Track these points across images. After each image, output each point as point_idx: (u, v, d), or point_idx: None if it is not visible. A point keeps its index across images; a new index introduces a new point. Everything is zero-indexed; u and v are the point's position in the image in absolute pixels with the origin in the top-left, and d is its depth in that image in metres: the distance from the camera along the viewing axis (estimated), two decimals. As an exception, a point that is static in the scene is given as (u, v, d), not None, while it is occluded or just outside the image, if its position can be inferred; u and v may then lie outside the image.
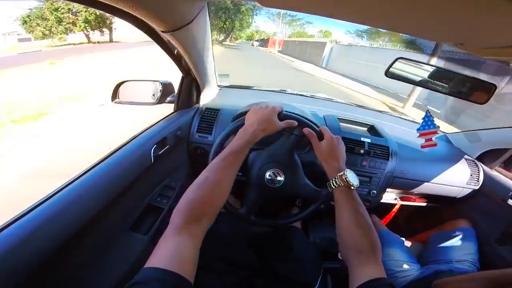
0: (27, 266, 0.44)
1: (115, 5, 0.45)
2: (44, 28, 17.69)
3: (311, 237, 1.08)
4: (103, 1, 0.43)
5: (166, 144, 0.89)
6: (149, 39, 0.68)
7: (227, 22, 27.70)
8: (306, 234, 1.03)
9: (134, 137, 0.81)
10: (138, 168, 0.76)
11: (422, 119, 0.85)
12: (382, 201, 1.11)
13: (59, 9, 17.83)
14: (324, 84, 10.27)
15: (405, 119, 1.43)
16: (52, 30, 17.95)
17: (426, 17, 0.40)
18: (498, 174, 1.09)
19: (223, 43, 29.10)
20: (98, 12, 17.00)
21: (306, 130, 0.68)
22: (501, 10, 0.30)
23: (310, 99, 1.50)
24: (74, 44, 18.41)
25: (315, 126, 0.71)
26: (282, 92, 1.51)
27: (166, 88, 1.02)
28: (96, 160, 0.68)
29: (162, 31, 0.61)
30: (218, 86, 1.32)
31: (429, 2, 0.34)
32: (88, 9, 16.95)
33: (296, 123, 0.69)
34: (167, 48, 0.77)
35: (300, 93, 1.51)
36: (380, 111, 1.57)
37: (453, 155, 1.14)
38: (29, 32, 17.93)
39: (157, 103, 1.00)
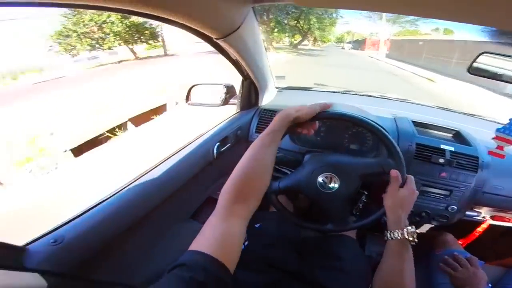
0: (100, 244, 0.55)
1: (167, 17, 0.50)
2: (64, 46, 14.31)
3: (367, 250, 1.00)
4: (154, 14, 0.47)
5: (228, 142, 0.98)
6: (209, 49, 0.73)
7: (300, 21, 21.05)
8: (361, 246, 0.96)
9: (199, 136, 0.92)
10: (201, 164, 0.86)
11: (509, 119, 0.66)
12: (464, 217, 0.93)
13: (84, 22, 13.95)
14: None
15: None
16: (76, 47, 14.54)
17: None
18: None
19: (299, 46, 22.45)
20: (128, 21, 14.28)
21: (394, 172, 0.63)
22: None
23: (379, 100, 1.34)
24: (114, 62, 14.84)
25: (405, 171, 0.65)
26: (345, 93, 1.41)
27: (229, 91, 1.11)
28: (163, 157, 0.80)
29: (216, 38, 0.67)
30: (276, 87, 1.35)
31: None
32: (110, 19, 13.87)
33: (330, 105, 0.65)
34: (225, 53, 0.82)
35: (367, 94, 1.38)
36: (470, 114, 1.29)
37: None
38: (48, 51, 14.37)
39: (222, 105, 1.11)
